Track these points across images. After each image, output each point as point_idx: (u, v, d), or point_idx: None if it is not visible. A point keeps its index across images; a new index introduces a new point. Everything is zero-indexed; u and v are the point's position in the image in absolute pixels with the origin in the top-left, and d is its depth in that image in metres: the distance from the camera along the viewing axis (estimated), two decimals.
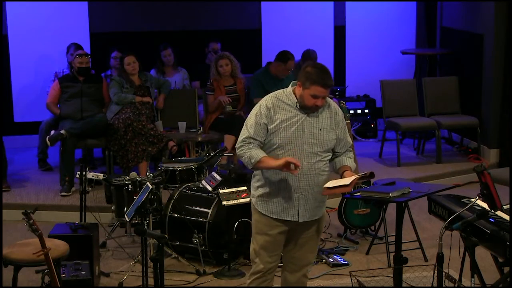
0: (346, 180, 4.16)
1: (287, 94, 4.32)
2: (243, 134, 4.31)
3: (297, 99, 4.27)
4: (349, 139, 4.46)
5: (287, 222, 4.34)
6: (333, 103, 4.40)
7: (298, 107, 4.27)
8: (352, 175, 4.21)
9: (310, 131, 4.26)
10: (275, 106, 4.27)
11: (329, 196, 4.59)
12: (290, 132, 4.24)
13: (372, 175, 4.22)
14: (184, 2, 9.57)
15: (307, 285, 4.64)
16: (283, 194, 4.29)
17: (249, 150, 4.25)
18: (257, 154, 4.23)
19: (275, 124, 4.25)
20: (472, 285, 4.14)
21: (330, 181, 4.21)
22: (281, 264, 4.58)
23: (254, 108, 4.34)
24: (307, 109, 4.26)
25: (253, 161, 4.23)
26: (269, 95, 4.37)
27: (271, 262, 4.42)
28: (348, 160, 4.41)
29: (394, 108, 8.81)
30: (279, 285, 4.63)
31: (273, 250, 4.41)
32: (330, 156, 4.39)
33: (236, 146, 4.35)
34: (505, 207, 4.27)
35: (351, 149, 4.47)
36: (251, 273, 4.48)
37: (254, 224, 4.46)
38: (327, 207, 7.06)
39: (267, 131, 4.26)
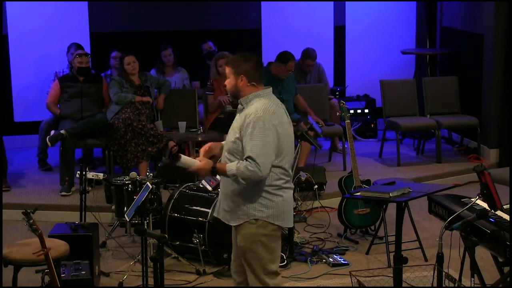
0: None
1: None
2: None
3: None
4: (250, 148, 3.94)
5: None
6: (253, 108, 4.02)
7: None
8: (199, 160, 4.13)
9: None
10: None
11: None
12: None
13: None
14: (184, 2, 9.57)
15: (307, 285, 4.63)
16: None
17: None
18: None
19: None
20: (472, 285, 4.14)
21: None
22: None
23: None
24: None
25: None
26: None
27: (233, 260, 4.45)
28: (227, 161, 4.10)
29: (394, 108, 8.81)
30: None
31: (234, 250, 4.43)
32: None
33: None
34: (505, 207, 4.27)
35: (250, 160, 3.93)
36: None
37: None
38: (326, 207, 7.16)
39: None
